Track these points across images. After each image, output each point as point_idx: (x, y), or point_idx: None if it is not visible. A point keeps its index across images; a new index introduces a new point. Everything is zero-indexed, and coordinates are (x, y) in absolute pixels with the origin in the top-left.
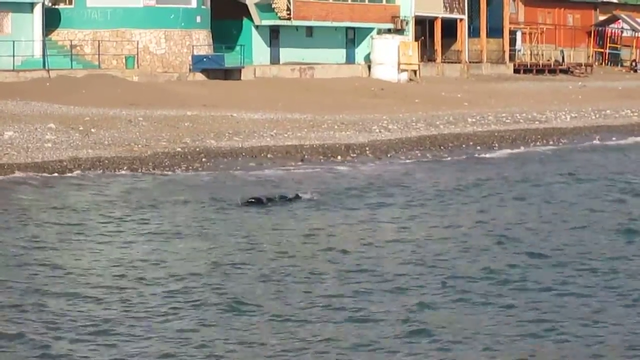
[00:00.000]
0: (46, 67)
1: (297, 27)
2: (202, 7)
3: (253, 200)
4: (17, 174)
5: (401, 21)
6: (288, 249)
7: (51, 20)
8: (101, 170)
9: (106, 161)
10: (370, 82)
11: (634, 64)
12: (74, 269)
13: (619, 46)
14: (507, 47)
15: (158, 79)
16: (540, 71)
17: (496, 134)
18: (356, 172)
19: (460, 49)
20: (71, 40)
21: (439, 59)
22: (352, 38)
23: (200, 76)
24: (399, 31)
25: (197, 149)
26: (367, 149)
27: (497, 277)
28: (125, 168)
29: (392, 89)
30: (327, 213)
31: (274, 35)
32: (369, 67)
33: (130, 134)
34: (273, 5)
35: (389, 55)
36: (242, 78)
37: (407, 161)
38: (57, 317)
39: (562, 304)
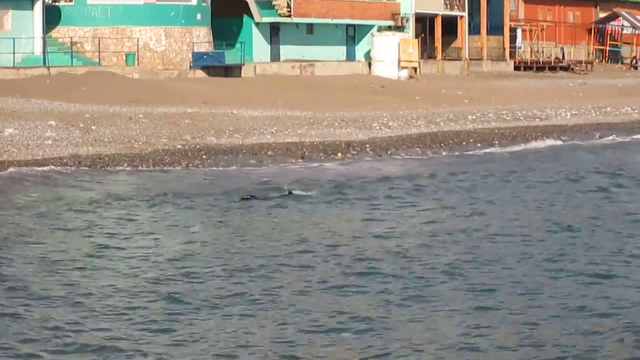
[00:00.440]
0: (46, 64)
1: (297, 24)
2: (203, 4)
3: (248, 197)
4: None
5: (401, 18)
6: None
7: (51, 17)
8: (101, 167)
9: (106, 158)
10: (370, 79)
11: (634, 61)
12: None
13: (619, 43)
14: (507, 45)
15: (158, 76)
16: (540, 68)
17: (496, 131)
18: (353, 168)
19: (461, 46)
20: (71, 38)
21: (439, 56)
22: (352, 35)
23: (200, 73)
24: (399, 28)
25: (198, 146)
26: (367, 146)
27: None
28: (125, 165)
29: (393, 86)
30: (316, 209)
31: (274, 33)
32: (369, 65)
33: (131, 131)
34: (273, 3)
35: (390, 53)
36: (242, 75)
37: (406, 157)
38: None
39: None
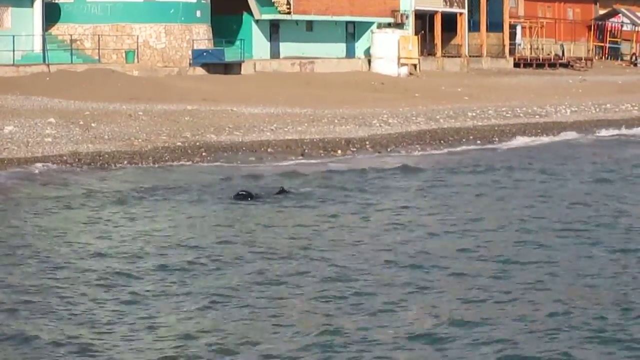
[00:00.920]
0: (46, 62)
1: (297, 22)
2: (202, 1)
3: (243, 193)
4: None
5: (401, 15)
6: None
7: (51, 14)
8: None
9: (106, 156)
10: (370, 76)
11: (634, 58)
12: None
13: (619, 40)
14: (507, 41)
15: (158, 73)
16: (540, 65)
17: (496, 128)
18: (350, 165)
19: (461, 43)
20: (71, 35)
21: (439, 53)
22: (352, 32)
23: (200, 70)
24: (399, 25)
25: (197, 144)
26: (367, 143)
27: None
28: (125, 162)
29: (392, 83)
30: (307, 207)
31: (274, 30)
32: (369, 62)
33: (131, 129)
34: (273, 0)
35: (389, 50)
36: (242, 72)
37: (404, 154)
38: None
39: None
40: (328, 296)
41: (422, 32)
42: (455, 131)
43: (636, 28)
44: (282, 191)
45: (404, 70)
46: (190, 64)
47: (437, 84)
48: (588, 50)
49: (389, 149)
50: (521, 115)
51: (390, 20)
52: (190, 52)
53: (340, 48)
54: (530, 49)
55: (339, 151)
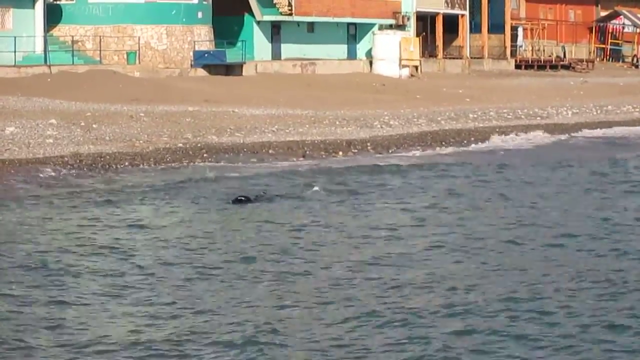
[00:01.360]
0: (47, 63)
1: (298, 23)
2: (204, 2)
3: (242, 198)
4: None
5: (402, 17)
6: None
7: (52, 15)
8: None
9: (107, 157)
10: (371, 77)
11: (635, 59)
12: None
13: (620, 42)
14: (508, 43)
15: (159, 74)
16: (541, 67)
17: (497, 129)
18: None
19: (462, 45)
20: (72, 36)
21: (440, 54)
22: (353, 34)
23: (201, 72)
24: (401, 27)
25: (199, 145)
26: (368, 144)
27: None
28: (126, 164)
29: (394, 84)
30: (300, 210)
31: (275, 31)
32: (371, 63)
33: (132, 130)
34: (274, 1)
35: (391, 51)
36: (243, 74)
37: (401, 155)
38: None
39: None
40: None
41: (424, 33)
42: (457, 132)
43: (637, 30)
44: (281, 195)
45: (406, 72)
46: (191, 65)
47: (438, 85)
48: (589, 52)
49: (390, 151)
50: (522, 117)
51: (392, 21)
52: (191, 54)
53: (342, 49)
54: (532, 50)
55: (340, 153)
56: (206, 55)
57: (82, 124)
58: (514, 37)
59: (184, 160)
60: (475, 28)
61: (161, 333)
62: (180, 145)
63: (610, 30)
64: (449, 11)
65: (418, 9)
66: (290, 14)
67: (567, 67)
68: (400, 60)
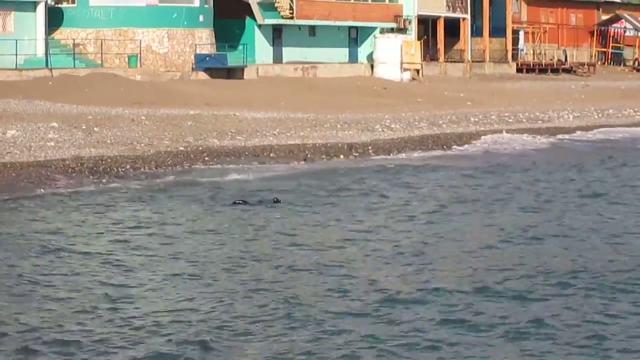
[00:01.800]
0: (49, 66)
1: (299, 26)
2: (205, 6)
3: (240, 202)
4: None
5: (404, 20)
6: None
7: (54, 19)
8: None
9: (109, 160)
10: (372, 81)
11: (636, 63)
12: None
13: (621, 46)
14: (509, 47)
15: (161, 77)
16: (542, 70)
17: (493, 132)
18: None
19: (463, 48)
20: (74, 39)
21: (441, 58)
22: (354, 37)
23: (203, 75)
24: (402, 30)
25: (200, 148)
26: (369, 148)
27: None
28: (127, 167)
29: (395, 88)
30: (295, 214)
31: (276, 34)
32: (372, 66)
33: (133, 133)
34: (276, 4)
35: (392, 55)
36: (244, 77)
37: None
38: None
39: None
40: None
41: (425, 37)
42: (458, 136)
43: (639, 33)
44: (276, 200)
45: (407, 75)
46: (192, 68)
47: (439, 89)
48: (591, 56)
49: (391, 154)
50: (524, 120)
51: (393, 25)
52: (193, 57)
53: (343, 53)
54: (533, 54)
55: (342, 156)
56: (207, 58)
57: (84, 127)
58: (516, 41)
59: (185, 164)
60: (476, 31)
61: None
62: (182, 148)
63: (611, 34)
64: (451, 14)
65: (419, 13)
66: (292, 18)
67: (568, 71)
68: (402, 63)
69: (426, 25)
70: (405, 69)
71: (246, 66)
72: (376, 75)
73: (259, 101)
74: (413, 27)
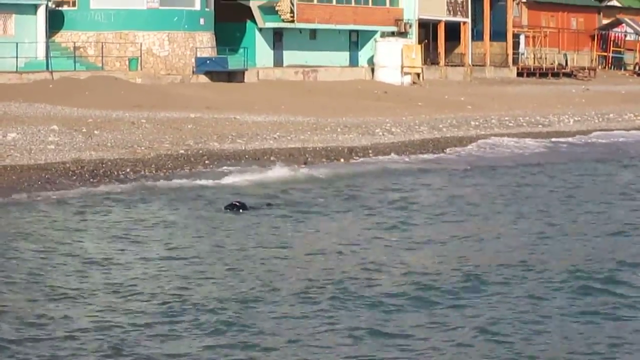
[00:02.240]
0: (49, 69)
1: (300, 30)
2: (206, 9)
3: (237, 204)
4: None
5: (405, 24)
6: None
7: (54, 22)
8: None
9: (109, 163)
10: (373, 85)
11: (637, 67)
12: None
13: (622, 50)
14: (510, 51)
15: (161, 81)
16: (543, 75)
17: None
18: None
19: (464, 52)
20: (74, 42)
21: (442, 62)
22: (355, 41)
23: (203, 78)
24: (403, 34)
25: (200, 151)
26: (370, 151)
27: None
28: (128, 170)
29: (396, 92)
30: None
31: (277, 38)
32: (372, 70)
33: (133, 136)
34: (276, 8)
35: (393, 58)
36: (245, 80)
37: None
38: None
39: None
40: None
41: (426, 41)
42: (458, 140)
43: (639, 37)
44: (269, 205)
45: (407, 79)
46: (193, 71)
47: (440, 92)
48: (591, 60)
49: (390, 157)
50: (524, 124)
51: (394, 29)
52: (193, 60)
53: (344, 56)
54: (534, 58)
55: (342, 160)
56: (208, 62)
57: (84, 130)
58: (516, 45)
59: (186, 167)
60: (477, 35)
61: None
62: (182, 151)
63: (612, 38)
64: (451, 18)
65: (420, 16)
66: (292, 21)
67: (569, 75)
68: (402, 67)
69: (427, 29)
70: (406, 73)
71: (247, 69)
72: (377, 79)
73: (259, 104)
74: (414, 31)
